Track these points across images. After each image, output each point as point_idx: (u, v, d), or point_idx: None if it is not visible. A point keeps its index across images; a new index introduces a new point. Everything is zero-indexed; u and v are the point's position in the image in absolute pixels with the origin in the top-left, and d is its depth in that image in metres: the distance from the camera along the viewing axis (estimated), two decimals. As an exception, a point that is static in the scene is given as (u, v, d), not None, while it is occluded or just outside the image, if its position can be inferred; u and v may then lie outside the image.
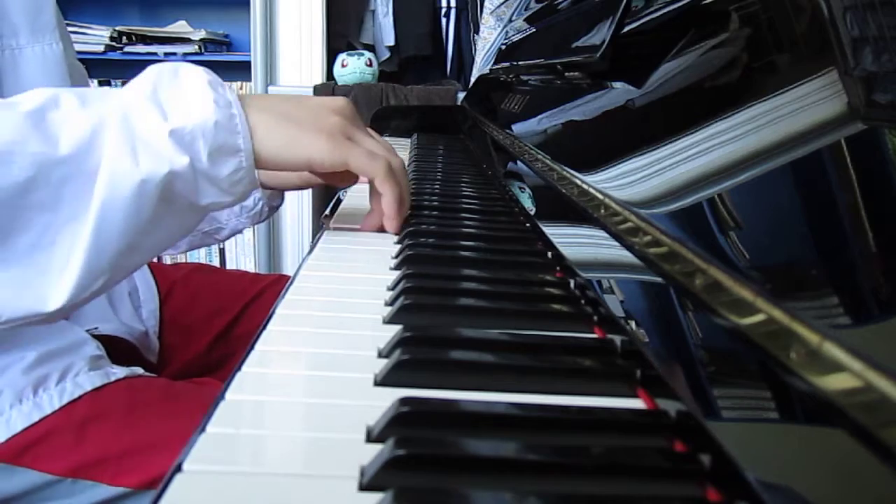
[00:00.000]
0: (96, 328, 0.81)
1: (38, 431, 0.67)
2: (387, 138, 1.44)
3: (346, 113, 0.61)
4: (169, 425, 0.68)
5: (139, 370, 0.78)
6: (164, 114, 0.51)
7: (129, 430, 0.69)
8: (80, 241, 0.48)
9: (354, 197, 0.87)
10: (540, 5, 1.24)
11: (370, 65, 2.29)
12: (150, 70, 0.54)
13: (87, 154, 0.48)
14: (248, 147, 0.53)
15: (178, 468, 0.28)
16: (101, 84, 2.45)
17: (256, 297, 0.99)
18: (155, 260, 0.86)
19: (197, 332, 0.96)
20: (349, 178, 0.64)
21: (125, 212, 0.48)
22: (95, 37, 2.45)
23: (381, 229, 0.67)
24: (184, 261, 2.26)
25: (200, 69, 0.55)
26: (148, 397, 0.72)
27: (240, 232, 0.63)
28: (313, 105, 0.60)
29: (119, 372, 0.74)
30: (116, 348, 0.83)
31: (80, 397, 0.70)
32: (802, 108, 0.35)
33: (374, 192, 0.66)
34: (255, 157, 0.54)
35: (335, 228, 0.70)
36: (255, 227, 2.37)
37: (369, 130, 0.67)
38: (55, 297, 0.48)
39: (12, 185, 0.46)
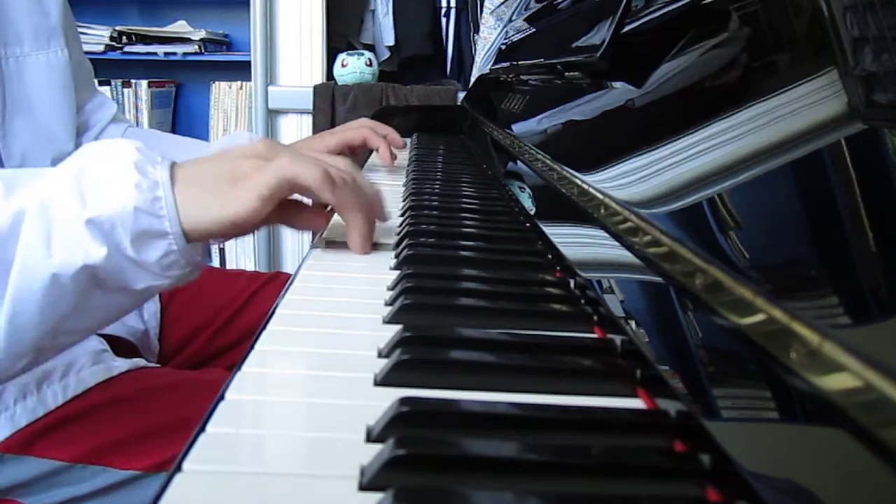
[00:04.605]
0: None
1: (44, 424, 0.69)
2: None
3: (261, 149, 0.54)
4: (176, 411, 0.70)
5: (142, 361, 0.79)
6: (84, 201, 0.48)
7: (136, 416, 0.71)
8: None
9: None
10: (540, 5, 1.24)
11: (370, 64, 2.29)
12: (83, 149, 0.52)
13: (6, 245, 0.47)
14: (176, 229, 0.49)
15: (178, 468, 0.28)
16: (101, 84, 2.45)
17: (256, 293, 1.01)
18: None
19: (198, 330, 0.97)
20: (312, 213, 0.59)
21: (39, 303, 0.48)
22: (95, 37, 2.45)
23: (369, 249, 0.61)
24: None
25: (133, 147, 0.51)
26: (153, 386, 0.74)
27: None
28: (228, 158, 0.54)
29: (122, 365, 0.76)
30: (117, 346, 0.83)
31: (84, 392, 0.71)
32: (802, 108, 0.35)
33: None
34: (187, 235, 0.50)
35: (327, 247, 0.64)
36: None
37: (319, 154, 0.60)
38: None
39: None
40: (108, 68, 2.50)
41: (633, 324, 0.41)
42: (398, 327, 0.41)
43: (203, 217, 0.50)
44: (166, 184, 0.50)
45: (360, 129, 1.04)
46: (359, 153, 1.10)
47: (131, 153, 0.50)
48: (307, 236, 2.44)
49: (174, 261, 0.50)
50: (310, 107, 2.28)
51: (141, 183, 0.49)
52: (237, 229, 0.52)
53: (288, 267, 2.45)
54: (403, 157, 1.17)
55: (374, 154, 1.12)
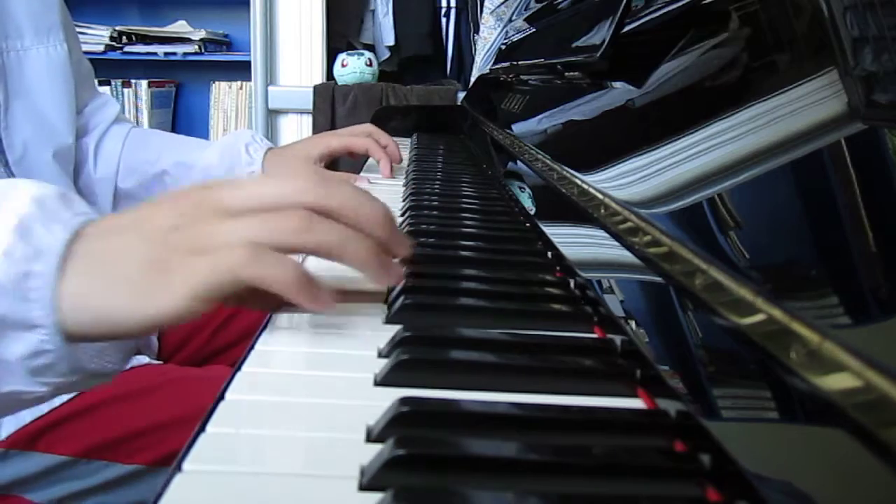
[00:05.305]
0: None
1: (48, 420, 0.70)
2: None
3: (216, 210, 0.38)
4: (179, 407, 0.70)
5: (145, 359, 0.80)
6: None
7: (140, 412, 0.71)
8: None
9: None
10: (540, 5, 1.24)
11: (370, 64, 2.29)
12: None
13: None
14: (49, 322, 0.35)
15: (178, 468, 0.28)
16: (101, 84, 2.45)
17: None
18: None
19: (197, 328, 0.98)
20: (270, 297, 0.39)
21: None
22: (95, 36, 2.46)
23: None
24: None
25: (32, 196, 0.37)
26: (156, 382, 0.74)
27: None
28: (162, 227, 0.38)
29: None
30: None
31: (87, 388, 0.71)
32: (802, 108, 0.35)
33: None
34: (70, 332, 0.36)
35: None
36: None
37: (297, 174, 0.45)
38: None
39: None
40: (108, 68, 2.50)
41: (633, 324, 0.41)
42: (398, 327, 0.41)
43: (102, 311, 0.36)
44: (52, 255, 0.36)
45: (364, 138, 1.05)
46: (358, 158, 1.10)
47: (24, 205, 0.36)
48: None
49: (48, 364, 0.36)
50: (310, 107, 2.28)
51: (13, 250, 0.35)
52: (157, 330, 0.40)
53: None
54: (403, 157, 1.17)
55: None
